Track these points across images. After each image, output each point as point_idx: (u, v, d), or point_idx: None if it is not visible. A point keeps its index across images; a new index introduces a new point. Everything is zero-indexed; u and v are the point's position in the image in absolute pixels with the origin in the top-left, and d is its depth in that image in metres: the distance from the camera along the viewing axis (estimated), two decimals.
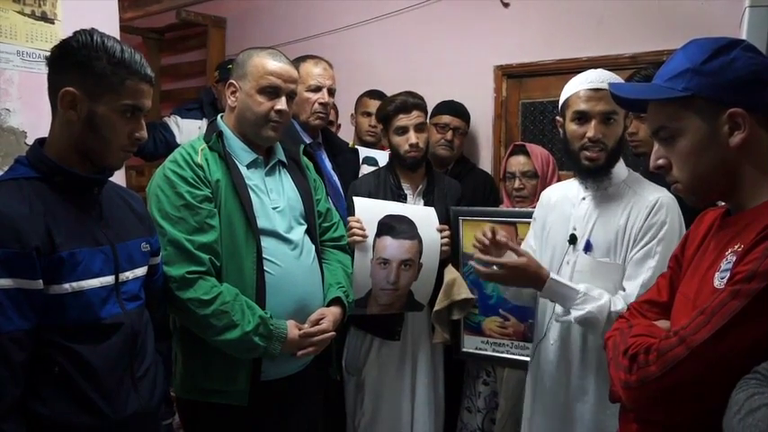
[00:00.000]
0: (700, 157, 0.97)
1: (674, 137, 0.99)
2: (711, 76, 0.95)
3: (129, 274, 1.25)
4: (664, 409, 0.95)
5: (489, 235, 1.56)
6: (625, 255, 1.51)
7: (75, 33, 1.18)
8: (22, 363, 1.08)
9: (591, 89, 1.53)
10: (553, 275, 1.52)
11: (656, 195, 1.50)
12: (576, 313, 1.46)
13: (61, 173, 1.16)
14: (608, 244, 1.54)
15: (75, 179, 1.18)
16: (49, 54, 1.19)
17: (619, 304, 1.44)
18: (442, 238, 2.04)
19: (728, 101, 0.94)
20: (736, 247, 0.93)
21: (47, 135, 1.23)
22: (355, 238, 1.92)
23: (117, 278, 1.22)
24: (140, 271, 1.31)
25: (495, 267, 1.51)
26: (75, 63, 1.15)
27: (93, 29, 1.19)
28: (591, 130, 1.52)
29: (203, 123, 2.96)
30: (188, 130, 3.00)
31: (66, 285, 1.13)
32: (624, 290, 1.50)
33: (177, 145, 2.93)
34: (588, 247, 1.57)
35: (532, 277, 1.51)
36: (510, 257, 1.53)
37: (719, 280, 0.94)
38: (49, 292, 1.12)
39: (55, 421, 1.12)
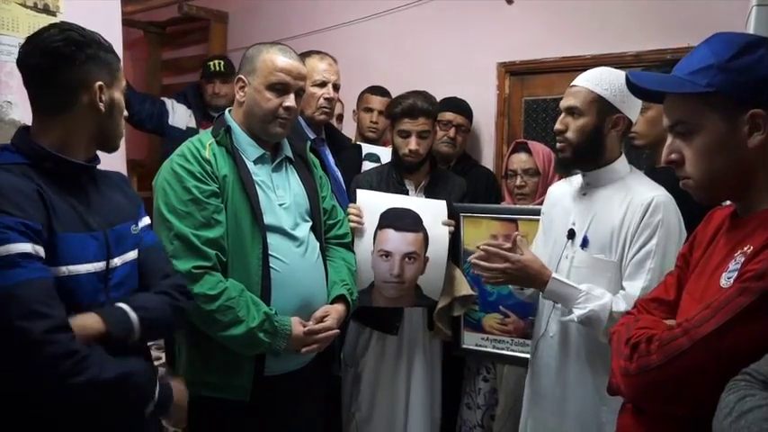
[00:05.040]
0: (715, 156, 0.96)
1: (692, 132, 0.98)
2: (736, 74, 0.93)
3: (117, 261, 1.23)
4: (661, 399, 0.96)
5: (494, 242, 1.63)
6: (621, 253, 1.51)
7: (61, 30, 1.17)
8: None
9: (570, 86, 1.60)
10: (555, 275, 1.53)
11: (652, 194, 1.48)
12: (578, 312, 1.48)
13: (51, 159, 1.16)
14: (603, 241, 1.54)
15: (65, 165, 1.17)
16: (47, 53, 1.15)
17: (621, 305, 1.45)
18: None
19: (751, 101, 0.92)
20: (746, 248, 0.93)
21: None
22: (351, 224, 1.93)
23: (108, 264, 1.20)
24: (129, 256, 1.28)
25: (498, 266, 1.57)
26: (90, 57, 1.18)
27: (63, 22, 1.21)
28: (557, 123, 1.61)
29: (191, 113, 3.21)
30: (180, 115, 3.20)
31: (64, 269, 1.12)
32: (624, 289, 1.50)
33: (167, 125, 3.12)
34: (585, 243, 1.57)
35: (535, 276, 1.54)
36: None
37: (726, 280, 0.93)
38: None
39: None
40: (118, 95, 1.24)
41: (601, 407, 1.52)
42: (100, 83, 1.19)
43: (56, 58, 1.15)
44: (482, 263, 1.59)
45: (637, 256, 1.48)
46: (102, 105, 1.20)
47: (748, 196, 0.98)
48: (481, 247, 1.60)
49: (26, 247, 1.04)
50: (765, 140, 0.93)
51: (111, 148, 1.29)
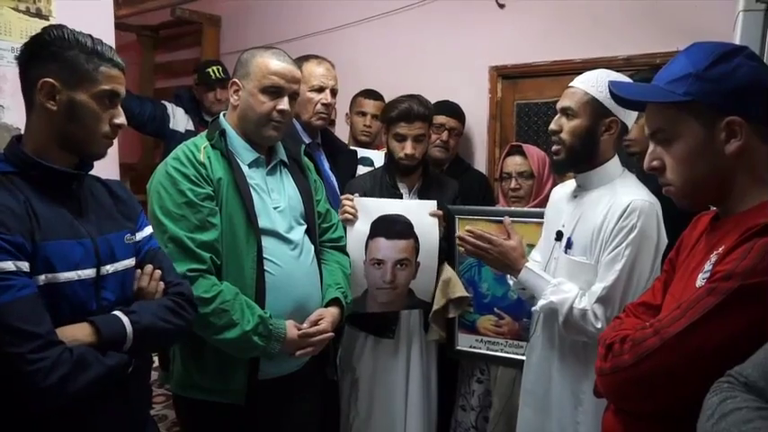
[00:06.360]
0: (694, 162, 0.98)
1: (671, 140, 1.00)
2: (713, 83, 0.95)
3: (109, 268, 1.22)
4: (634, 398, 0.99)
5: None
6: (598, 255, 1.51)
7: (45, 29, 1.18)
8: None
9: (567, 86, 1.60)
10: (529, 265, 1.60)
11: (630, 198, 1.46)
12: (541, 302, 1.54)
13: (36, 167, 1.15)
14: (585, 243, 1.55)
15: (51, 173, 1.17)
16: (20, 51, 1.18)
17: (584, 302, 1.47)
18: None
19: (727, 109, 0.95)
20: (720, 249, 0.95)
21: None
22: (347, 216, 1.94)
23: (98, 271, 1.19)
24: (122, 264, 1.26)
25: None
26: (49, 55, 1.16)
27: (61, 24, 1.20)
28: (552, 123, 1.61)
29: (188, 117, 3.21)
30: (179, 118, 3.21)
31: (42, 277, 1.10)
32: None
33: (168, 128, 3.12)
34: (569, 245, 1.58)
35: (511, 263, 1.64)
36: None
37: (701, 280, 0.96)
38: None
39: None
40: (83, 98, 1.16)
41: (577, 407, 1.54)
42: (46, 80, 1.13)
43: (21, 56, 1.18)
44: (468, 237, 1.70)
45: (608, 258, 1.48)
46: (51, 105, 1.15)
47: (727, 201, 1.00)
48: (467, 228, 1.73)
49: (7, 265, 1.03)
50: (742, 147, 0.95)
51: (87, 155, 1.22)
